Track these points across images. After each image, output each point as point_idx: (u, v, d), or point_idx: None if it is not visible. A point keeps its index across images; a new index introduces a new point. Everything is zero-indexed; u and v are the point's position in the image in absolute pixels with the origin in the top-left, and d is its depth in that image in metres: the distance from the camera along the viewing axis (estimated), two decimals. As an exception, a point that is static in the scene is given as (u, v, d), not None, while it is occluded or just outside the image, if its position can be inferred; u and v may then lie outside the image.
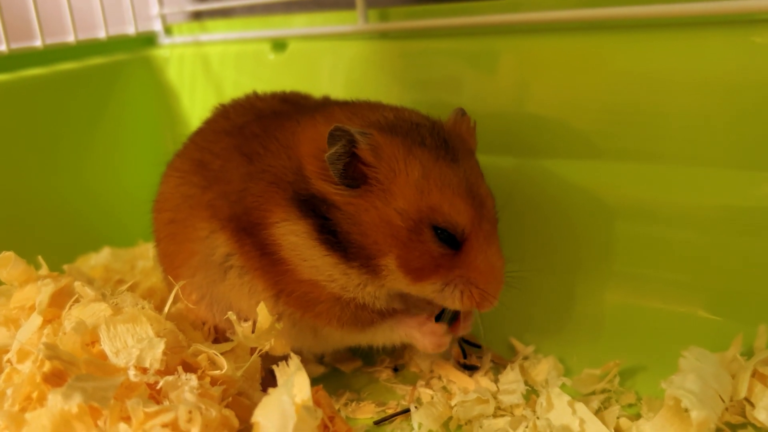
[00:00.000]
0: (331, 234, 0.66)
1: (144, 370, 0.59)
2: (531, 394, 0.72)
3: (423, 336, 0.72)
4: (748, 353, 0.69)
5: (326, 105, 0.78)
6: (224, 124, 0.79)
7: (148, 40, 1.26)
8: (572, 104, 0.83)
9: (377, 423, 0.71)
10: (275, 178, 0.68)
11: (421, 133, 0.67)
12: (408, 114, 0.71)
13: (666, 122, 0.77)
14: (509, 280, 0.70)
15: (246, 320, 0.69)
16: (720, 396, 0.61)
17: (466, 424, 0.68)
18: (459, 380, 0.75)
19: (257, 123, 0.75)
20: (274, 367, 0.60)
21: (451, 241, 0.66)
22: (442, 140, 0.68)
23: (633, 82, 0.78)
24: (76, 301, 0.70)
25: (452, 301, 0.68)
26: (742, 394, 0.63)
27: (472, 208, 0.66)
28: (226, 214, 0.71)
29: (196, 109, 1.18)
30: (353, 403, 0.74)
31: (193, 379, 0.60)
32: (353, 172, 0.65)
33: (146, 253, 1.04)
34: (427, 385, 0.76)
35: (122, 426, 0.53)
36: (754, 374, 0.64)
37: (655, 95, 0.77)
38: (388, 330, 0.73)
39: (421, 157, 0.65)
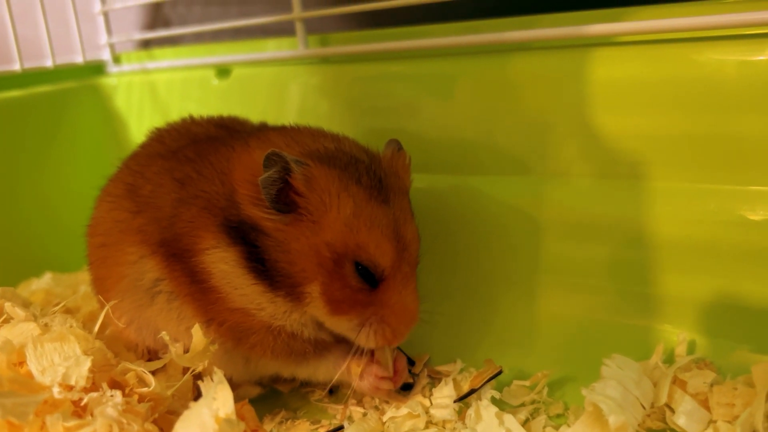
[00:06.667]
0: (259, 262, 0.66)
1: (70, 388, 0.59)
2: (463, 407, 0.72)
3: (361, 379, 0.72)
4: (672, 360, 0.70)
5: (262, 130, 0.78)
6: (158, 148, 0.79)
7: (96, 68, 1.26)
8: (523, 123, 0.85)
9: (311, 440, 0.71)
10: (207, 203, 0.68)
11: (359, 170, 0.67)
12: (348, 146, 0.71)
13: (612, 141, 0.80)
14: (423, 317, 0.71)
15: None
16: (641, 402, 0.62)
17: (396, 438, 0.69)
18: (392, 398, 0.76)
19: (191, 147, 0.75)
20: (199, 381, 0.59)
21: (370, 278, 0.66)
22: (378, 179, 0.68)
23: (576, 101, 0.81)
24: (6, 321, 0.69)
25: (367, 340, 0.68)
26: (663, 400, 0.64)
27: (395, 251, 0.66)
28: (157, 239, 0.70)
29: (144, 135, 1.18)
30: (288, 422, 0.74)
31: (117, 396, 0.60)
32: (285, 198, 0.65)
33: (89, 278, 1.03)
34: (359, 403, 0.76)
35: (40, 440, 0.53)
36: (675, 381, 0.66)
37: (598, 114, 0.80)
38: (332, 366, 0.73)
39: (355, 195, 0.65)
